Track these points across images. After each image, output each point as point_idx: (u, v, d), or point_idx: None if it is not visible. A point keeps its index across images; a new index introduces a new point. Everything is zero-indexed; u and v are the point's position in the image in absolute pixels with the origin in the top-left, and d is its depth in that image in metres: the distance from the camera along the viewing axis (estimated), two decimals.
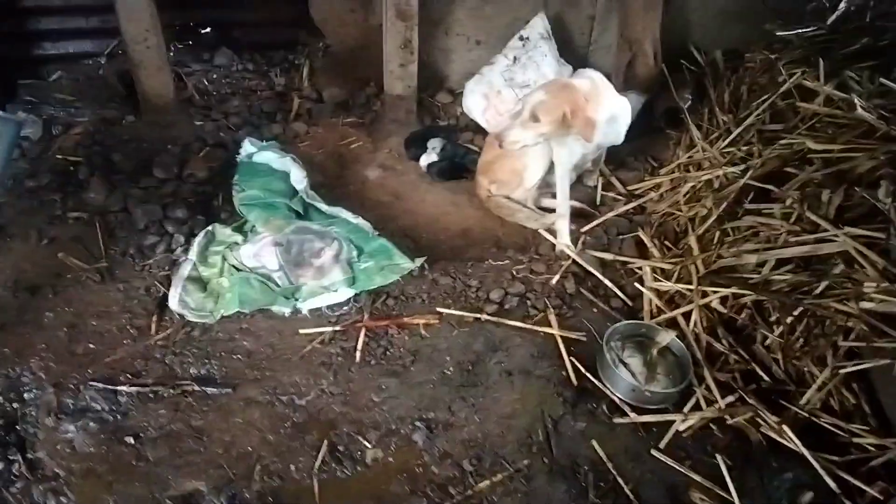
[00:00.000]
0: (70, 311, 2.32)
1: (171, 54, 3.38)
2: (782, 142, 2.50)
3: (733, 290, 2.23)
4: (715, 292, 2.26)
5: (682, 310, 2.28)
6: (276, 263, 2.35)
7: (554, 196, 2.71)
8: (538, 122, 2.36)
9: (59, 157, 2.99)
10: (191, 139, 3.12)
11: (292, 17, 3.56)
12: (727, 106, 2.99)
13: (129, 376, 2.11)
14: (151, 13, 2.99)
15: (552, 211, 2.73)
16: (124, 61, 3.16)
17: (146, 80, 3.14)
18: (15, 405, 2.03)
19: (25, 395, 2.06)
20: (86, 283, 2.41)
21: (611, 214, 2.73)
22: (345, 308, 2.34)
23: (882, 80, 2.50)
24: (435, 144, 3.06)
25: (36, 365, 2.13)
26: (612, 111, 2.52)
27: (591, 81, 2.50)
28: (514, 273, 2.49)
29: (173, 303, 2.28)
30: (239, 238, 2.50)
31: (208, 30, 3.54)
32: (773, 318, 2.15)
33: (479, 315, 2.31)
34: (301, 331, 2.26)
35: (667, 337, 2.17)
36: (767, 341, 2.13)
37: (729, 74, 3.20)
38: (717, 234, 2.44)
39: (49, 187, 2.80)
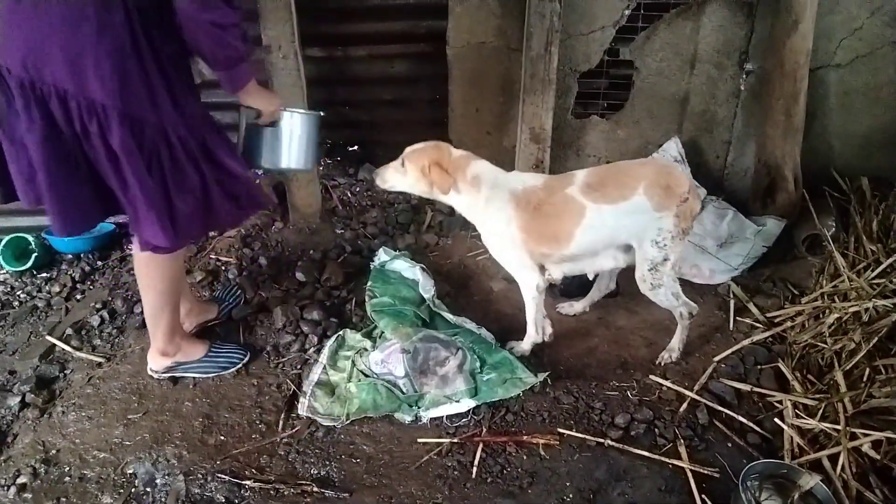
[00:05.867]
0: (207, 402, 2.45)
1: (321, 168, 3.68)
2: None
3: (888, 434, 2.02)
4: (866, 435, 2.05)
5: (827, 451, 2.08)
6: (403, 370, 2.40)
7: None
8: (404, 169, 2.46)
9: (213, 256, 3.28)
10: (331, 246, 3.34)
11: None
12: (875, 235, 2.83)
13: (254, 471, 2.17)
14: None
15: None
16: (279, 174, 3.46)
17: (297, 191, 3.42)
18: (147, 489, 2.13)
19: (158, 481, 2.16)
20: (223, 375, 2.55)
21: (747, 342, 2.59)
22: (464, 420, 2.32)
23: None
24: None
25: (171, 452, 2.24)
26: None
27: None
28: (642, 397, 2.40)
29: (302, 409, 2.36)
30: (368, 344, 2.58)
31: (355, 148, 3.83)
32: None
33: (602, 440, 2.21)
34: (420, 440, 2.26)
35: (811, 481, 1.96)
36: None
37: (877, 203, 3.04)
38: (867, 371, 2.24)
39: (200, 284, 3.06)
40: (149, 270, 2.29)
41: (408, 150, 2.50)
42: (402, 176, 2.49)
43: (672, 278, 2.39)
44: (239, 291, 2.94)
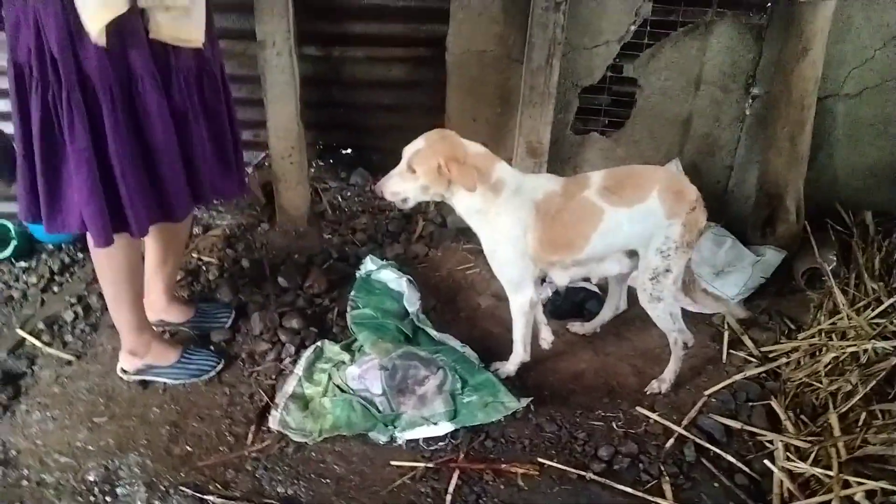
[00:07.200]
0: (175, 408, 2.36)
1: (312, 170, 3.59)
2: None
3: (882, 484, 1.93)
4: (860, 483, 1.96)
5: (819, 498, 1.98)
6: (380, 388, 2.30)
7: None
8: (415, 174, 2.19)
9: (195, 255, 3.19)
10: (317, 251, 3.25)
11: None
12: (877, 273, 2.75)
13: (219, 486, 2.08)
14: (298, 133, 3.21)
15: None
16: (268, 173, 3.37)
17: (285, 192, 3.33)
18: (108, 499, 2.04)
19: (118, 490, 2.07)
20: (195, 382, 2.46)
21: (740, 376, 2.50)
22: (441, 443, 2.23)
23: None
24: (552, 281, 2.98)
25: (133, 460, 2.16)
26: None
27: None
28: (628, 430, 2.31)
29: (273, 423, 2.27)
30: (346, 357, 2.49)
31: (349, 151, 3.74)
32: None
33: (584, 473, 2.12)
34: (393, 462, 2.16)
35: None
36: None
37: (880, 239, 2.96)
38: (864, 415, 2.17)
39: (179, 283, 2.96)
40: (98, 258, 2.20)
41: (409, 150, 2.22)
42: (412, 183, 2.22)
43: (672, 295, 2.31)
44: (227, 316, 2.77)
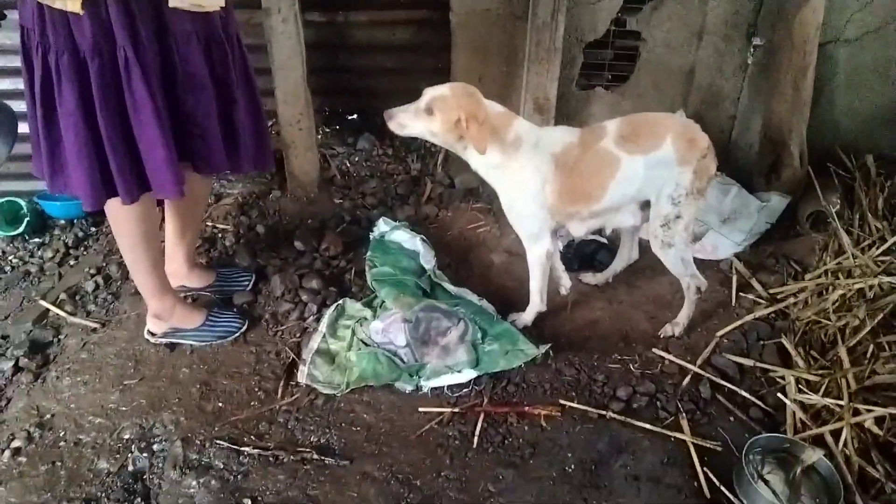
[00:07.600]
0: (204, 368, 2.43)
1: (319, 137, 3.62)
2: None
3: (891, 410, 2.01)
4: (869, 411, 2.04)
5: (830, 427, 2.07)
6: (404, 340, 2.37)
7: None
8: (432, 116, 2.20)
9: (209, 224, 3.23)
10: (329, 216, 3.29)
11: None
12: (881, 213, 2.81)
13: (253, 438, 2.15)
14: (306, 99, 3.23)
15: None
16: (276, 141, 3.40)
17: (294, 159, 3.36)
18: (144, 455, 2.11)
19: (154, 447, 2.14)
20: (221, 343, 2.52)
21: (750, 317, 2.58)
22: (465, 390, 2.30)
23: None
24: (563, 234, 3.04)
25: (167, 418, 2.22)
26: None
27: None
28: (644, 371, 2.38)
29: (302, 377, 2.33)
30: (368, 313, 2.55)
31: (354, 116, 3.76)
32: None
33: (604, 412, 2.20)
34: (421, 409, 2.24)
35: (814, 455, 1.96)
36: None
37: (882, 180, 3.02)
38: (871, 347, 2.24)
39: (197, 250, 3.00)
40: (113, 224, 2.25)
41: (432, 93, 2.21)
42: (424, 123, 2.22)
43: (685, 241, 2.35)
44: (247, 280, 2.82)
